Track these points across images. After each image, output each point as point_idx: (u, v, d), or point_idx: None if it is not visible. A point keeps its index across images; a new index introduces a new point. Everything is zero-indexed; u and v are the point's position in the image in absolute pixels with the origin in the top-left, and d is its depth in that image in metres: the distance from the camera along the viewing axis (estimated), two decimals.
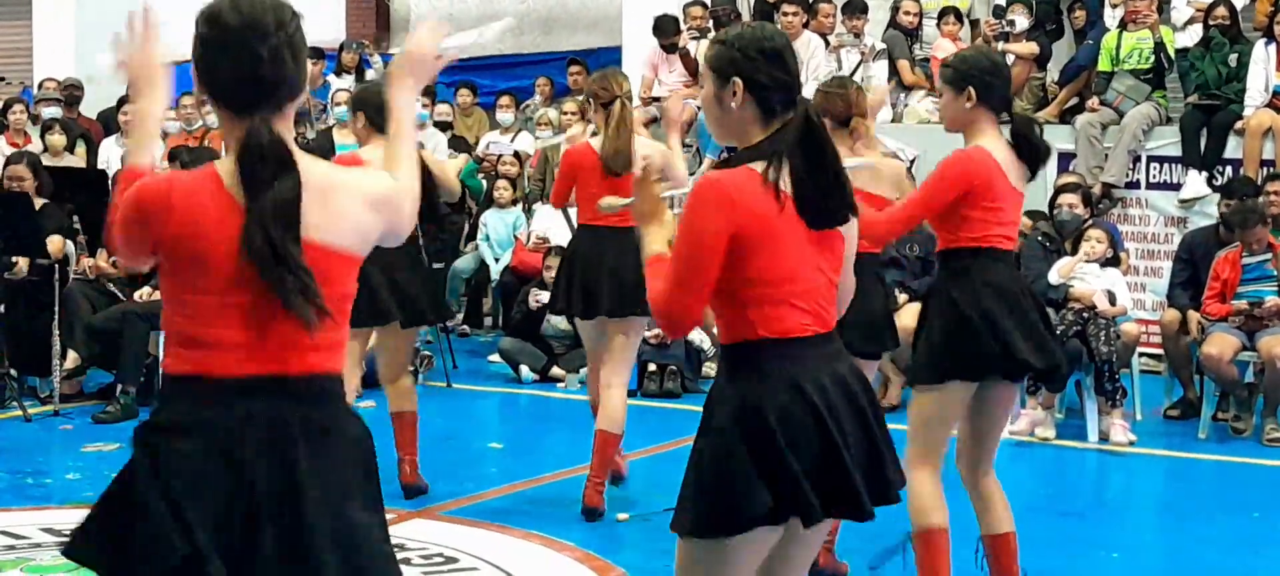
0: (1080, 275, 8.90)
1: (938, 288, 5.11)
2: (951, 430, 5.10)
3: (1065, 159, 11.63)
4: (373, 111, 6.68)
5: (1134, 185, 11.45)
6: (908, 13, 12.92)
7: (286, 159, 2.84)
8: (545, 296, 10.60)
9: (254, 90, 2.86)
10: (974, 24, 13.09)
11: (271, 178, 2.81)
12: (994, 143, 4.99)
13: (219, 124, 2.96)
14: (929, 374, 5.01)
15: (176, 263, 2.85)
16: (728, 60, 3.41)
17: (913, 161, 11.47)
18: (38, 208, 9.68)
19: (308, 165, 2.89)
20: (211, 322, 2.83)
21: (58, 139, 12.82)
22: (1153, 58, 11.39)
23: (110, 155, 12.95)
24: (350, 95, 6.86)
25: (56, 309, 9.26)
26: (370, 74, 14.75)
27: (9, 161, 10.27)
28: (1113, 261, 9.04)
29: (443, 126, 13.86)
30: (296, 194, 2.81)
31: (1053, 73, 12.59)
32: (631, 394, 9.91)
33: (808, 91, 14.11)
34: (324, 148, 12.63)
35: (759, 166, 3.33)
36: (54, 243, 9.50)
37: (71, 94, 14.24)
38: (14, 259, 9.45)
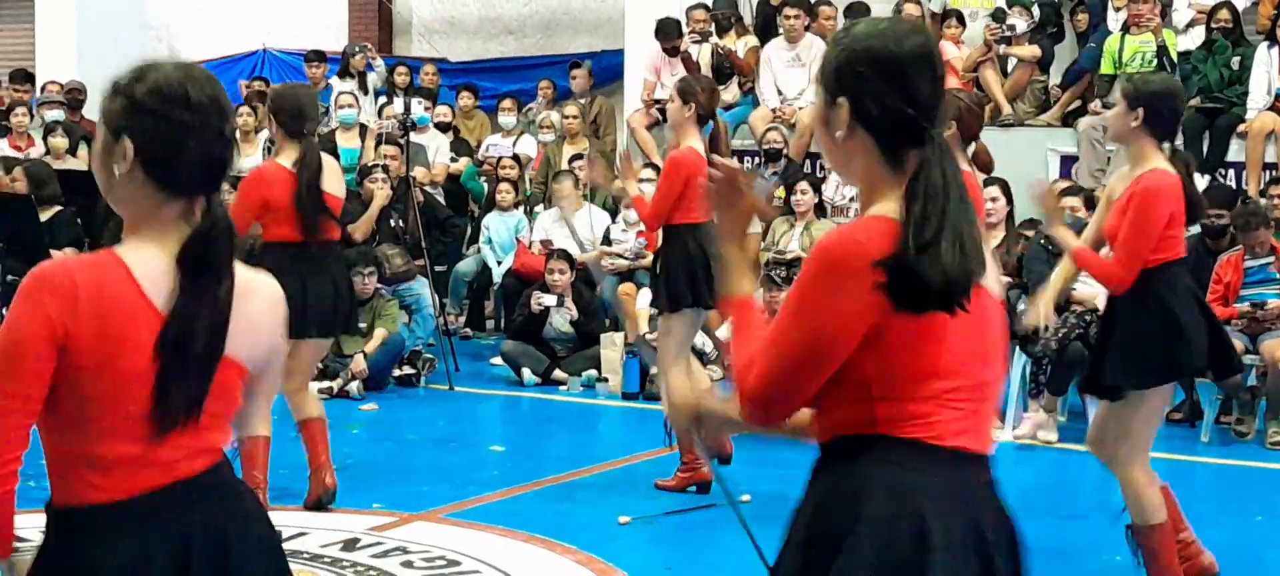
0: (1083, 278, 8.89)
1: (1144, 297, 5.35)
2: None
3: (1067, 162, 11.63)
4: (287, 117, 6.80)
5: None
6: (909, 16, 12.91)
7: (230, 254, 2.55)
8: (548, 299, 10.64)
9: (211, 171, 2.56)
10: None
11: (219, 273, 2.52)
12: (1164, 163, 5.30)
13: (133, 208, 2.54)
14: (1149, 377, 5.36)
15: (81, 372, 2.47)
16: (835, 70, 2.53)
17: None
18: (51, 215, 9.69)
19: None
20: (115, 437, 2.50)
21: (60, 142, 12.82)
22: (1155, 61, 11.38)
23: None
24: (269, 96, 6.91)
25: None
26: (371, 77, 14.76)
27: (8, 169, 10.31)
28: None
29: (444, 128, 13.87)
30: (231, 298, 2.53)
31: (1055, 76, 12.59)
32: (633, 396, 9.96)
33: (810, 95, 14.14)
34: (326, 151, 12.65)
35: (892, 211, 2.47)
36: (62, 254, 9.51)
37: (74, 97, 14.25)
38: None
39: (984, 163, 6.62)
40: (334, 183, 6.92)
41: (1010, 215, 9.27)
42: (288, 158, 6.76)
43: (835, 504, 2.50)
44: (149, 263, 2.48)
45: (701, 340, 10.24)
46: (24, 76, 14.25)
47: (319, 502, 6.90)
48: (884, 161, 2.49)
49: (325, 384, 9.92)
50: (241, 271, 2.59)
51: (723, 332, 8.62)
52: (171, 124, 2.49)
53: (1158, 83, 5.59)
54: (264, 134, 13.20)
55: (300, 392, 6.94)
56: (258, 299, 2.62)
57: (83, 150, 13.34)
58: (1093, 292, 8.80)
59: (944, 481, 2.47)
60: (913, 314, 2.42)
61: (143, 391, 2.46)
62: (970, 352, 2.49)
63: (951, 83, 12.65)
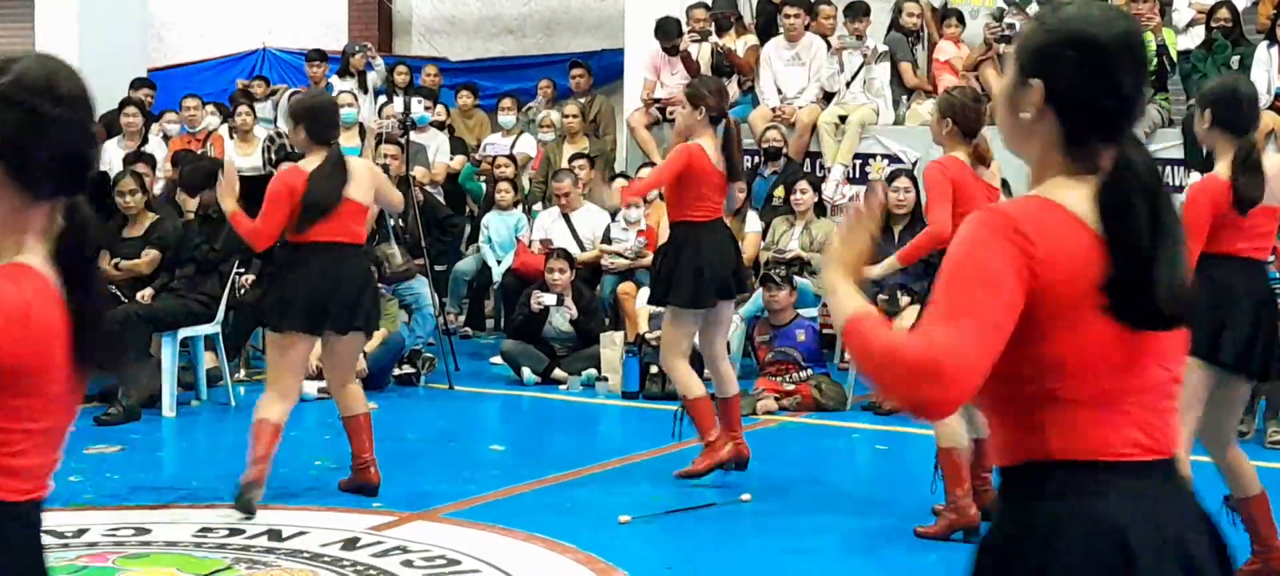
0: None
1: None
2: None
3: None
4: (312, 122, 6.93)
5: None
6: (910, 15, 12.92)
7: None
8: (548, 298, 10.63)
9: (84, 170, 2.41)
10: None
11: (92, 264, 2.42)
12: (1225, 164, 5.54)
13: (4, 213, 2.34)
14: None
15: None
16: (1035, 49, 2.40)
17: (914, 164, 11.47)
18: None
19: None
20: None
21: None
22: (1155, 60, 11.38)
23: (112, 157, 12.94)
24: (289, 104, 7.02)
25: None
26: (371, 76, 14.77)
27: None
28: None
29: (441, 127, 13.88)
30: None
31: None
32: (633, 395, 9.96)
33: (810, 94, 14.11)
34: None
35: (1072, 201, 2.35)
36: None
37: None
38: None
39: (981, 156, 6.64)
40: (359, 191, 6.95)
41: None
42: (311, 164, 6.88)
43: (1025, 549, 2.32)
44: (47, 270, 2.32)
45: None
46: None
47: (358, 488, 7.13)
48: (1066, 151, 2.38)
49: (325, 383, 9.91)
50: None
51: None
52: (42, 120, 2.31)
53: (1221, 82, 5.92)
54: (262, 133, 13.21)
55: (343, 388, 7.14)
56: None
57: None
58: None
59: (1134, 501, 2.32)
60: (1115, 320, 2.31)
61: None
62: (1140, 347, 2.34)
63: (950, 81, 12.65)
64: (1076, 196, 2.34)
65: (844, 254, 2.45)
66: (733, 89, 13.18)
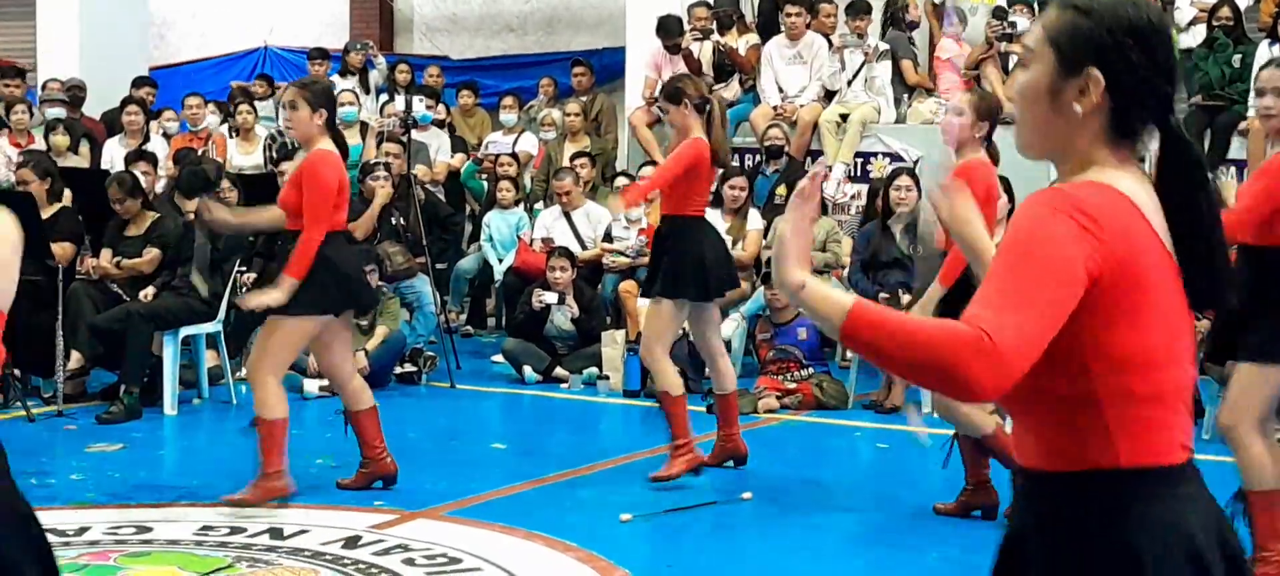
0: None
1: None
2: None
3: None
4: (332, 107, 6.97)
5: None
6: (913, 7, 12.92)
7: None
8: (549, 297, 10.63)
9: None
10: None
11: None
12: None
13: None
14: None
15: None
16: (1086, 38, 2.31)
17: (917, 162, 11.47)
18: (53, 212, 9.70)
19: None
20: None
21: (61, 139, 12.82)
22: None
23: (113, 155, 12.96)
24: (311, 91, 6.93)
25: (60, 309, 9.26)
26: (372, 75, 14.77)
27: (20, 164, 10.31)
28: None
29: (441, 125, 13.88)
30: None
31: None
32: (634, 393, 9.95)
33: (811, 93, 14.08)
34: None
35: (1126, 186, 2.29)
36: (63, 249, 9.51)
37: (75, 94, 14.26)
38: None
39: (994, 158, 6.67)
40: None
41: (1011, 211, 9.27)
42: (329, 148, 6.87)
43: (1102, 564, 2.23)
44: None
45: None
46: (14, 71, 14.24)
47: (377, 480, 7.17)
48: (1111, 140, 2.32)
49: (326, 381, 9.92)
50: None
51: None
52: None
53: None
54: (263, 132, 13.20)
55: (352, 381, 7.17)
56: None
57: (84, 146, 13.36)
58: None
59: (1193, 505, 2.26)
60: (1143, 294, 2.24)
61: None
62: (1182, 343, 2.30)
63: (952, 79, 12.66)
64: (1130, 181, 2.28)
65: (797, 245, 2.35)
66: (734, 87, 13.19)
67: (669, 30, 13.01)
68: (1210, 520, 2.27)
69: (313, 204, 6.70)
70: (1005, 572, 2.39)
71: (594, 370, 10.45)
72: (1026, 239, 2.20)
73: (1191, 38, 11.73)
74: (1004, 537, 2.42)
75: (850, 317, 2.21)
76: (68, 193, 10.15)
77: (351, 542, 6.29)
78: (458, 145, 13.78)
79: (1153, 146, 2.39)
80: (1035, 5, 12.52)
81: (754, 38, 13.39)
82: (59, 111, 13.57)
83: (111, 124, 14.00)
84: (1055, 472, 2.27)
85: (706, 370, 10.25)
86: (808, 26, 12.71)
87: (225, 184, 10.36)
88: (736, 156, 12.64)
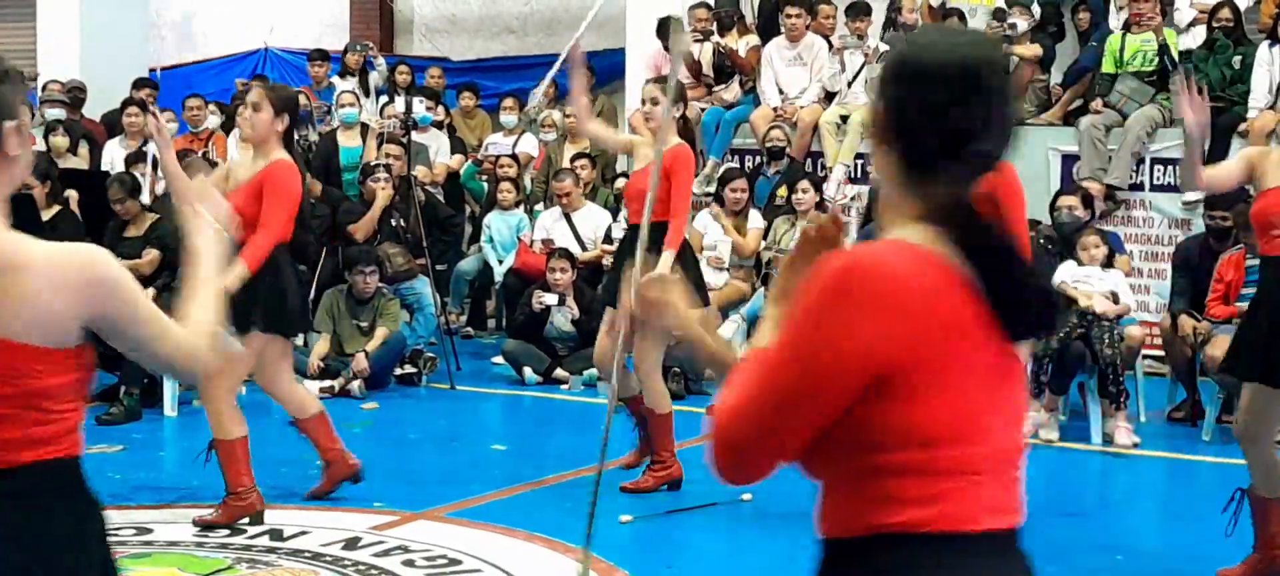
0: (1083, 277, 8.91)
1: None
2: None
3: (1068, 161, 11.63)
4: (294, 114, 6.72)
5: (1138, 187, 11.44)
6: (911, 10, 12.90)
7: None
8: (549, 298, 10.64)
9: None
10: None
11: None
12: None
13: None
14: None
15: None
16: (880, 75, 2.28)
17: None
18: (53, 214, 9.71)
19: None
20: None
21: (61, 140, 12.83)
22: (1156, 60, 11.38)
23: (113, 156, 12.96)
24: (274, 95, 6.65)
25: None
26: (373, 76, 14.76)
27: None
28: (1110, 260, 9.09)
29: (440, 126, 13.88)
30: None
31: (1056, 75, 12.59)
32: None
33: (811, 94, 14.03)
34: (326, 150, 12.65)
35: (934, 243, 2.16)
36: None
37: (75, 96, 14.26)
38: None
39: None
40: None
41: None
42: (287, 158, 6.62)
43: None
44: None
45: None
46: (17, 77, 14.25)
47: (343, 481, 7.03)
48: (912, 177, 2.21)
49: (327, 383, 9.93)
50: (9, 245, 2.57)
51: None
52: None
53: None
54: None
55: (294, 387, 6.97)
56: (32, 273, 2.56)
57: (83, 148, 13.36)
58: (1090, 292, 8.81)
59: (992, 572, 2.19)
60: (958, 352, 2.12)
61: None
62: (998, 409, 2.20)
63: None
64: (926, 235, 2.16)
65: (787, 283, 2.32)
66: (734, 89, 13.19)
67: (668, 32, 13.00)
68: None
69: (275, 212, 6.42)
70: None
71: (594, 371, 10.45)
72: (813, 327, 2.10)
73: (1191, 39, 11.73)
74: None
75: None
76: (75, 194, 10.15)
77: (351, 544, 6.29)
78: (457, 147, 13.78)
79: None
80: (1033, 7, 12.52)
81: (754, 39, 13.38)
82: (59, 113, 13.58)
83: (112, 125, 13.99)
84: (836, 539, 2.19)
85: (705, 372, 10.30)
86: (808, 28, 12.71)
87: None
88: (737, 158, 12.65)
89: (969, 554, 2.14)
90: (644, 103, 7.55)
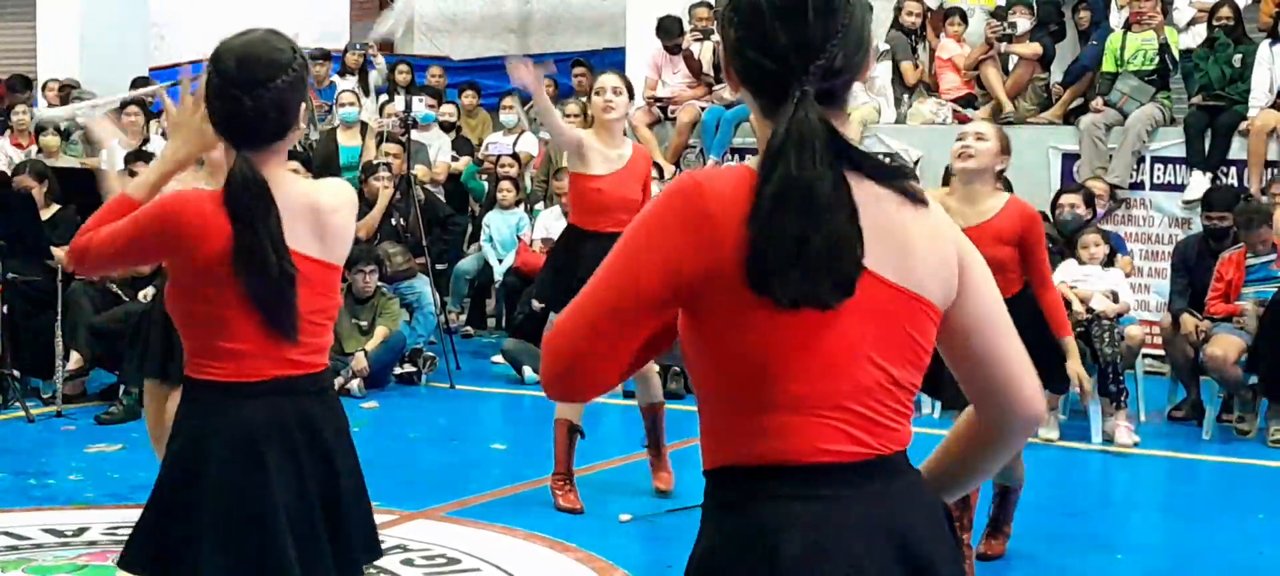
0: (1084, 276, 8.91)
1: None
2: None
3: (1069, 160, 11.63)
4: None
5: (1138, 186, 11.44)
6: (910, 13, 12.91)
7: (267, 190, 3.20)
8: None
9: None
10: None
11: (256, 205, 3.17)
12: None
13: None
14: None
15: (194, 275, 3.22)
16: (722, 12, 2.23)
17: (916, 163, 11.46)
18: (52, 214, 9.71)
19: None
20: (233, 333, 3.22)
21: (52, 140, 12.83)
22: (1157, 58, 11.37)
23: (114, 155, 12.94)
24: None
25: (59, 310, 9.26)
26: (373, 75, 14.77)
27: (15, 170, 10.32)
28: (1111, 260, 9.09)
29: (448, 127, 13.88)
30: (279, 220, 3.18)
31: (1056, 73, 12.59)
32: (631, 395, 9.93)
33: None
34: (326, 149, 12.66)
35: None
36: (63, 250, 9.50)
37: (67, 94, 14.27)
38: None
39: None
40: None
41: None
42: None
43: (732, 559, 2.12)
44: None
45: None
46: (23, 83, 14.25)
47: None
48: (759, 111, 2.18)
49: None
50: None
51: None
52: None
53: None
54: None
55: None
56: (342, 213, 3.36)
57: (76, 149, 13.36)
58: (1090, 291, 8.81)
59: (845, 503, 2.09)
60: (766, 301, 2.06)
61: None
62: (842, 345, 2.10)
63: (952, 80, 12.66)
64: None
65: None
66: None
67: (669, 31, 13.01)
68: (880, 518, 2.10)
69: None
70: None
71: None
72: (634, 235, 2.11)
73: (1191, 38, 11.73)
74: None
75: None
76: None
77: None
78: (464, 147, 13.77)
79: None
80: (1034, 5, 12.52)
81: None
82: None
83: None
84: (707, 471, 2.19)
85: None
86: None
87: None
88: (737, 157, 12.64)
89: (810, 482, 2.09)
90: (602, 93, 6.97)
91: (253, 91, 3.23)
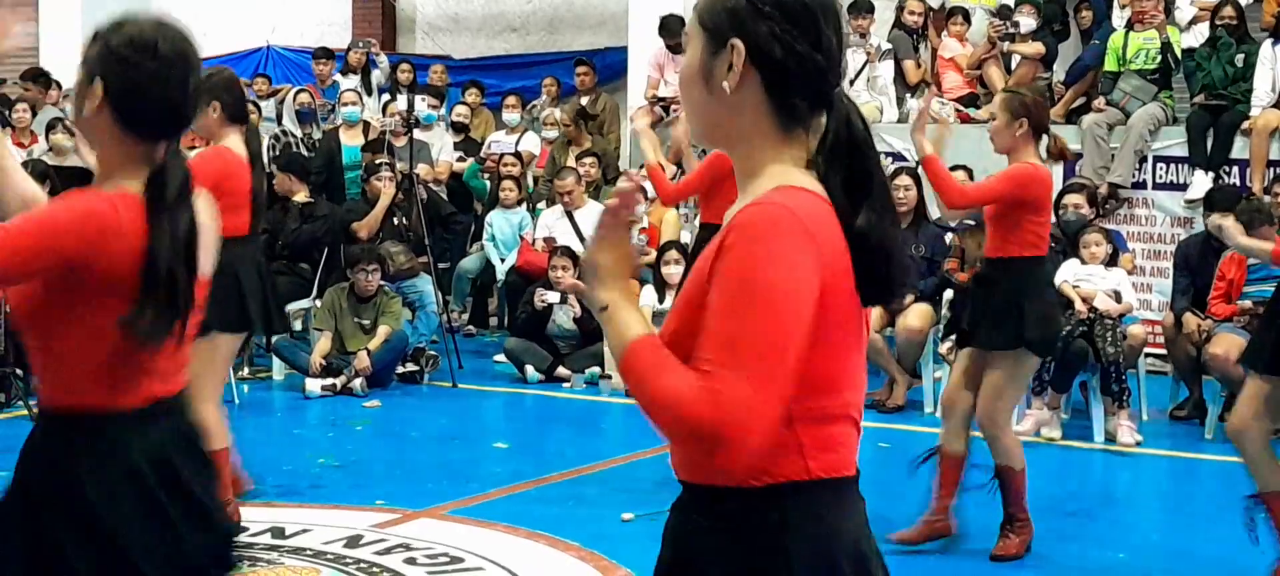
0: (1086, 275, 8.91)
1: None
2: None
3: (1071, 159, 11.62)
4: (231, 96, 6.34)
5: (1140, 186, 11.43)
6: (912, 12, 12.91)
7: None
8: (551, 296, 10.64)
9: (177, 119, 2.97)
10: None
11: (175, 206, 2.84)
12: None
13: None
14: None
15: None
16: (728, 9, 2.15)
17: (918, 162, 11.45)
18: None
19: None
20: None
21: (61, 138, 12.83)
22: (1159, 58, 11.37)
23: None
24: (207, 78, 6.20)
25: None
26: (376, 74, 14.77)
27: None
28: (1114, 259, 9.08)
29: (458, 128, 13.88)
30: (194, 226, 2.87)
31: (1059, 73, 12.58)
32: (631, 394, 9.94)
33: None
34: (329, 148, 12.66)
35: (811, 182, 2.13)
36: None
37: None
38: None
39: (1059, 151, 6.45)
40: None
41: None
42: (235, 145, 6.32)
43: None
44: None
45: None
46: (37, 75, 14.25)
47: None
48: (780, 122, 2.15)
49: (329, 381, 9.93)
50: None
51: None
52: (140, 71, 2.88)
53: None
54: (265, 132, 13.16)
55: (210, 406, 6.00)
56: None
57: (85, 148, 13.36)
58: (1093, 290, 8.80)
59: (857, 513, 2.25)
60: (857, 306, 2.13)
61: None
62: (860, 355, 2.21)
63: (955, 79, 12.65)
64: (812, 178, 2.13)
65: (608, 262, 2.20)
66: None
67: (671, 30, 13.00)
68: (864, 527, 2.28)
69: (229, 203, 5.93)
70: None
71: (596, 369, 10.45)
72: (769, 279, 2.02)
73: (1194, 37, 11.72)
74: (668, 560, 2.40)
75: (625, 358, 2.12)
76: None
77: (353, 542, 6.29)
78: (470, 147, 13.76)
79: None
80: (1038, 4, 12.51)
81: None
82: (58, 111, 13.57)
83: None
84: (730, 488, 2.17)
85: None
86: None
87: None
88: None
89: (849, 495, 2.22)
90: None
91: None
